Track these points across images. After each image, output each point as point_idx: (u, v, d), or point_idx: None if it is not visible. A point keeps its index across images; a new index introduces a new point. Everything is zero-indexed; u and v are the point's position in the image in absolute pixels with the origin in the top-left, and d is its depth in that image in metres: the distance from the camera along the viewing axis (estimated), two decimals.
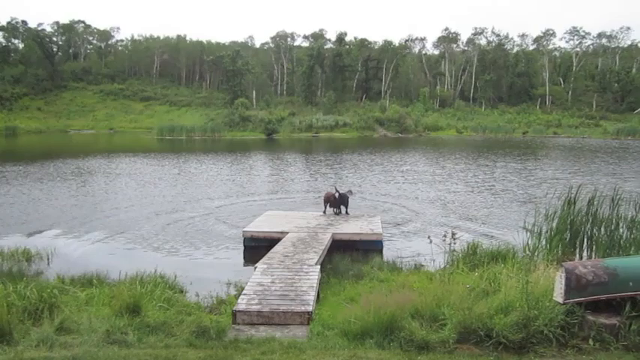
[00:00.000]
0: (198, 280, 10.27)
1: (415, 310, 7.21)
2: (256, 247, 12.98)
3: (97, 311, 7.80)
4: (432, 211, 18.80)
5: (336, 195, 15.95)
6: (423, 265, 11.42)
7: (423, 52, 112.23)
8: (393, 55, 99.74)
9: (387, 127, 75.81)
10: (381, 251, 13.12)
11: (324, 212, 16.16)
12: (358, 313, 7.24)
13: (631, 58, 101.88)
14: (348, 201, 16.15)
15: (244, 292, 8.75)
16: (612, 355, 6.29)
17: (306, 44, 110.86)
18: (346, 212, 16.09)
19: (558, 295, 6.68)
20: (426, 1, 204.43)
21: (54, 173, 28.16)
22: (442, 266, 10.66)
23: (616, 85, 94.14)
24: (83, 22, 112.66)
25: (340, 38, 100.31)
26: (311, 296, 8.50)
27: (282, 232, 13.35)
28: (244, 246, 13.64)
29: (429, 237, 12.59)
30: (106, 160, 36.42)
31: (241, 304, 8.15)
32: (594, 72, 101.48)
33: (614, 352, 6.34)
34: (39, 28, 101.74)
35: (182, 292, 9.64)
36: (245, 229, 13.90)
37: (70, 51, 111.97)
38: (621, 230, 10.32)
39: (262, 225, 14.38)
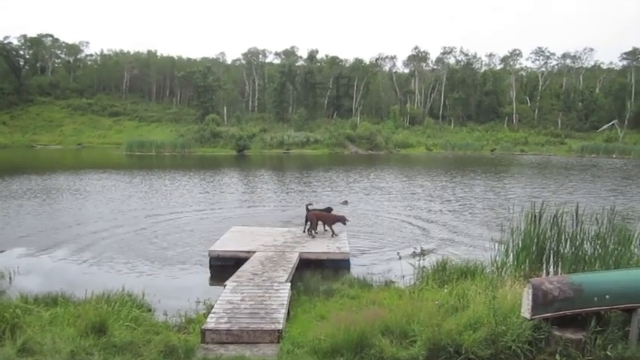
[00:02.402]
0: (167, 299, 10.09)
1: (385, 327, 7.22)
2: (223, 266, 12.85)
3: (62, 331, 7.58)
4: (405, 228, 18.92)
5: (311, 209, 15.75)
6: (393, 282, 11.43)
7: (394, 70, 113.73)
8: (364, 72, 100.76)
9: (358, 144, 76.30)
10: (348, 269, 13.07)
11: (311, 233, 15.37)
12: (328, 331, 7.22)
13: (594, 78, 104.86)
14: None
15: (213, 310, 8.64)
16: None
17: (277, 61, 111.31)
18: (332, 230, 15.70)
19: (526, 310, 6.78)
20: (396, 20, 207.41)
21: (18, 189, 27.51)
22: (412, 282, 10.71)
23: (580, 104, 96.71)
24: (51, 35, 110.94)
25: (311, 56, 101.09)
26: (281, 314, 8.44)
27: (249, 252, 13.20)
28: (210, 265, 13.46)
29: (397, 253, 12.71)
30: (72, 176, 35.72)
31: (210, 322, 8.04)
32: (559, 91, 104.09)
33: None
34: (5, 42, 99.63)
35: (150, 310, 9.46)
36: (211, 249, 13.70)
37: (38, 65, 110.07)
38: (585, 246, 10.52)
39: (229, 244, 14.19)
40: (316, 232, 15.33)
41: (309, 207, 15.96)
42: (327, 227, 15.58)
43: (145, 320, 8.46)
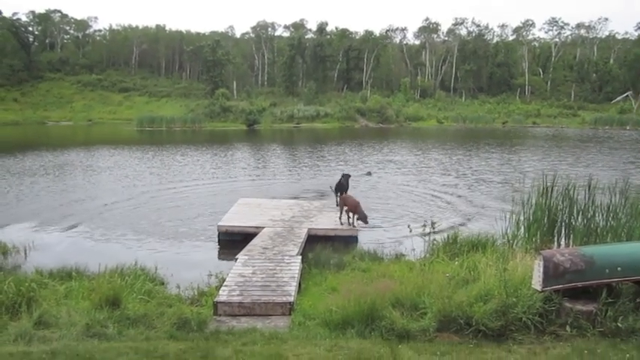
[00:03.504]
0: (179, 272, 10.21)
1: (396, 300, 7.26)
2: (232, 241, 12.95)
3: (77, 305, 7.72)
4: (420, 202, 18.92)
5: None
6: (403, 255, 11.47)
7: (404, 42, 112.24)
8: (374, 45, 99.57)
9: (369, 117, 75.83)
10: (355, 244, 13.06)
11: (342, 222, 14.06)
12: (339, 303, 7.28)
13: (608, 49, 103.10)
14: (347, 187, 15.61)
15: (225, 283, 8.73)
16: (589, 342, 6.40)
17: (286, 34, 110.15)
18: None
19: (536, 282, 6.78)
20: None
21: (31, 166, 27.73)
22: (422, 255, 10.73)
23: (594, 75, 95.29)
24: (60, 11, 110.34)
25: (321, 28, 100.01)
26: (292, 287, 8.51)
27: (257, 227, 13.26)
28: (219, 239, 13.55)
29: (408, 226, 12.72)
30: (84, 152, 35.93)
31: (222, 295, 8.14)
32: (573, 62, 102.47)
33: (591, 339, 6.46)
34: (14, 18, 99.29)
35: (163, 284, 9.59)
36: (220, 224, 13.78)
37: (47, 41, 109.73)
38: (597, 218, 10.48)
39: (237, 219, 14.25)
40: (343, 222, 13.78)
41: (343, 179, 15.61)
42: (350, 214, 13.76)
43: (158, 293, 8.58)
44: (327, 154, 35.21)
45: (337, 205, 15.16)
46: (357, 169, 26.79)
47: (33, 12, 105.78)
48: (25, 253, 11.96)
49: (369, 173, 25.35)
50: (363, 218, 13.21)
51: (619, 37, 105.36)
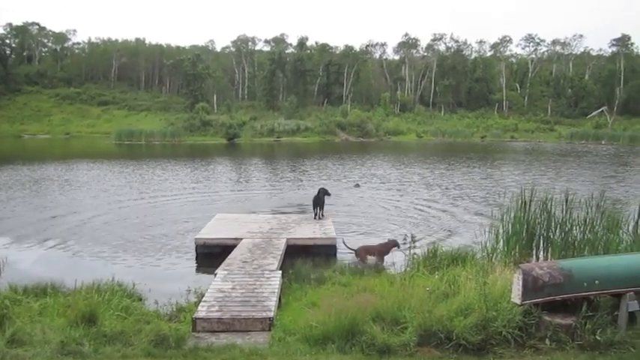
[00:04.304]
0: (157, 287, 10.05)
1: (376, 314, 7.23)
2: (209, 254, 12.83)
3: (52, 322, 7.55)
4: (401, 216, 18.96)
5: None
6: (384, 269, 11.46)
7: (384, 57, 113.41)
8: (354, 60, 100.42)
9: (349, 131, 76.22)
10: (334, 255, 13.03)
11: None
12: (320, 318, 7.22)
13: (583, 65, 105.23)
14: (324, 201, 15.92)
15: (204, 298, 8.62)
16: (568, 355, 6.43)
17: (267, 48, 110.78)
18: (321, 215, 15.87)
19: (516, 296, 6.81)
20: (386, 7, 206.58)
21: (7, 180, 27.26)
22: (403, 269, 10.73)
23: (570, 90, 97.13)
24: (38, 24, 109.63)
25: (301, 43, 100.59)
26: (272, 302, 8.44)
27: (235, 239, 13.16)
28: (197, 253, 13.39)
29: (388, 240, 12.70)
30: (61, 166, 35.43)
31: (201, 311, 8.03)
32: (549, 78, 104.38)
33: (570, 352, 6.49)
34: None
35: (141, 300, 9.41)
36: (197, 237, 13.64)
37: (24, 54, 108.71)
38: (575, 232, 10.59)
39: (215, 231, 14.15)
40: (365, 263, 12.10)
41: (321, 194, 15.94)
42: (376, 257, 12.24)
43: (136, 309, 8.42)
44: (310, 169, 35.19)
45: (314, 218, 15.74)
46: (340, 183, 26.85)
47: (10, 24, 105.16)
48: None
49: (358, 185, 25.58)
50: (393, 246, 12.45)
51: (593, 53, 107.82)
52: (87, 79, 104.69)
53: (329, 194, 16.31)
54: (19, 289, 9.35)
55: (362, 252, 12.24)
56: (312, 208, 16.16)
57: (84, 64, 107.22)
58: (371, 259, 12.06)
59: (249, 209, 19.34)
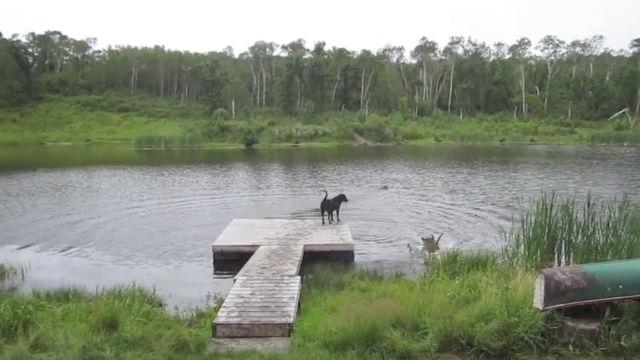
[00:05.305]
0: (177, 293, 10.12)
1: (396, 320, 7.18)
2: (227, 261, 12.89)
3: (74, 327, 7.61)
4: (422, 221, 18.86)
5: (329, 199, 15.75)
6: (403, 274, 11.37)
7: (401, 61, 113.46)
8: (372, 64, 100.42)
9: (367, 136, 76.13)
10: (352, 261, 13.03)
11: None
12: (339, 324, 7.18)
13: (604, 66, 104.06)
14: (339, 205, 15.96)
15: (224, 304, 8.64)
16: None
17: (284, 54, 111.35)
18: (337, 219, 15.90)
19: (538, 301, 6.71)
20: (403, 11, 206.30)
21: (31, 187, 27.68)
22: (423, 274, 10.66)
23: (590, 92, 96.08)
24: (59, 32, 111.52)
25: (319, 48, 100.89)
26: (292, 307, 8.43)
27: (252, 246, 13.18)
28: (214, 259, 13.43)
29: (408, 245, 12.66)
30: (82, 172, 35.89)
31: (221, 316, 8.05)
32: (569, 80, 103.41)
33: (594, 358, 6.37)
34: (14, 39, 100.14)
35: (161, 305, 9.48)
36: (215, 244, 13.68)
37: (46, 62, 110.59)
38: (597, 236, 10.42)
39: (232, 238, 14.19)
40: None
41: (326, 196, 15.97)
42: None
43: (156, 315, 8.47)
44: (331, 174, 35.03)
45: (322, 223, 15.66)
46: (362, 186, 26.69)
47: (33, 33, 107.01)
48: (23, 275, 11.85)
49: (386, 187, 25.49)
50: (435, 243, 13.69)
51: (614, 54, 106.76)
52: (107, 86, 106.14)
53: (346, 200, 16.30)
54: (42, 294, 9.48)
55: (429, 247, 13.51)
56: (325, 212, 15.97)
57: (104, 71, 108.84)
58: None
59: (268, 214, 19.36)
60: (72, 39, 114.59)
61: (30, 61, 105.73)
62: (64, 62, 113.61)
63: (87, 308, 8.25)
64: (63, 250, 14.56)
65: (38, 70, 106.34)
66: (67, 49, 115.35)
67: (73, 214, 20.16)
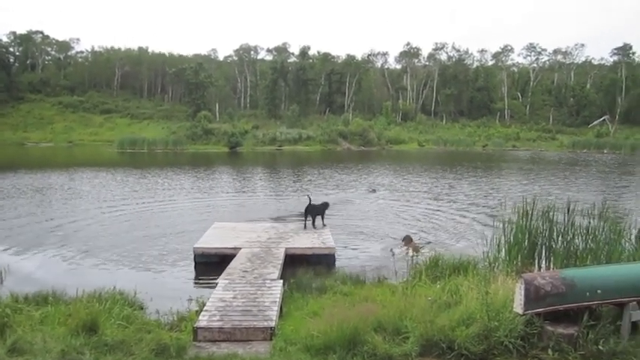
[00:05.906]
0: (158, 296, 10.04)
1: (378, 324, 7.21)
2: (208, 263, 12.84)
3: (53, 330, 7.52)
4: (405, 225, 18.93)
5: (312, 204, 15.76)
6: (386, 278, 11.38)
7: (386, 66, 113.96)
8: (356, 69, 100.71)
9: (351, 140, 76.25)
10: (333, 265, 13.02)
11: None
12: (321, 328, 7.19)
13: (585, 74, 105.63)
14: (324, 211, 15.97)
15: (205, 308, 8.60)
16: None
17: (269, 57, 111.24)
18: (323, 223, 15.89)
19: (518, 306, 6.77)
20: (387, 16, 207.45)
21: (10, 188, 27.30)
22: (405, 279, 10.69)
23: (571, 99, 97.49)
24: (41, 32, 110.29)
25: (303, 52, 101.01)
26: (274, 311, 8.41)
27: (234, 248, 13.14)
28: (195, 262, 13.37)
29: (391, 250, 12.70)
30: (64, 174, 35.47)
31: (202, 320, 8.00)
32: (550, 87, 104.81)
33: None
34: None
35: (142, 308, 9.39)
36: (196, 246, 13.62)
37: (28, 62, 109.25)
38: (577, 241, 10.55)
39: (213, 240, 14.15)
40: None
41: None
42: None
43: (137, 318, 8.40)
44: (316, 178, 34.97)
45: (304, 228, 15.60)
46: (350, 190, 26.71)
47: (14, 33, 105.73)
48: (1, 278, 11.67)
49: (374, 190, 25.44)
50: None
51: (595, 62, 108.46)
52: (90, 87, 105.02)
53: (328, 206, 16.35)
54: (21, 297, 9.35)
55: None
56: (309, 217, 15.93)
57: (87, 72, 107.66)
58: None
59: (250, 218, 19.31)
60: (54, 39, 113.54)
61: (11, 60, 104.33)
62: (46, 62, 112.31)
63: (66, 311, 8.16)
64: (42, 253, 14.38)
65: (19, 70, 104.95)
66: (49, 49, 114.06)
67: (53, 217, 19.91)
